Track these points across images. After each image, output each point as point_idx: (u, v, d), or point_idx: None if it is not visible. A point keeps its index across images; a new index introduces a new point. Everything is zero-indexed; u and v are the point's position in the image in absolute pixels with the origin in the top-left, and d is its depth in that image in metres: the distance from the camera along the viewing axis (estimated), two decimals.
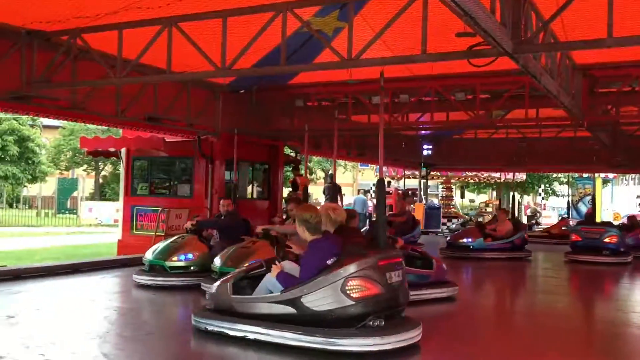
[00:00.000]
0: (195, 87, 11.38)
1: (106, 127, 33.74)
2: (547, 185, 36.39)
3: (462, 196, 32.95)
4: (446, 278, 7.85)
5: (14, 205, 35.49)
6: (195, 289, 7.58)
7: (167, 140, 12.29)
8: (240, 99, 12.49)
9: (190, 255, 8.29)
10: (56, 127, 37.28)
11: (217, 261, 7.60)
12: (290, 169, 16.91)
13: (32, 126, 30.92)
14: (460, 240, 12.93)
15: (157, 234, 11.91)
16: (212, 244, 8.80)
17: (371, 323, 4.76)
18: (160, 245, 8.63)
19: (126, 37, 7.59)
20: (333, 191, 13.62)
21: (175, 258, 8.22)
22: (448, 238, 14.00)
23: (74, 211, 32.50)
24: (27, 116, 28.75)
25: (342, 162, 40.51)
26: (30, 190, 38.70)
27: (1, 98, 8.44)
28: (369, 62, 6.59)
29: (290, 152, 16.52)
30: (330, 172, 19.45)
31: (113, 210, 29.57)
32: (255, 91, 12.28)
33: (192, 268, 8.22)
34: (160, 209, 12.26)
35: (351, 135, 15.22)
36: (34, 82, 8.47)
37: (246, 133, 12.49)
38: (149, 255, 8.42)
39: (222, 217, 9.30)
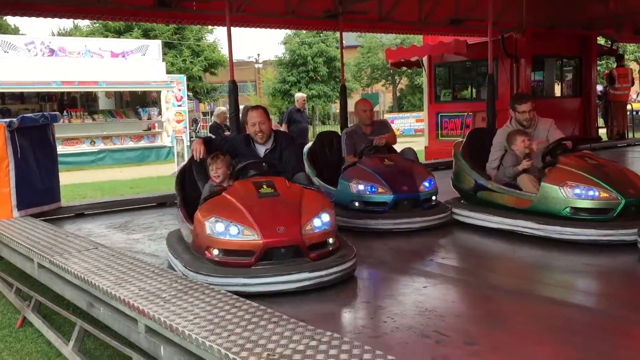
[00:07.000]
0: None
1: (400, 41, 34.95)
2: None
3: None
4: None
5: (325, 121, 39.42)
6: None
7: (469, 43, 12.05)
8: None
9: None
10: (355, 47, 39.63)
11: None
12: (603, 62, 15.25)
13: (336, 47, 33.49)
14: None
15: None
16: None
17: None
18: None
19: None
20: None
21: None
22: None
23: None
24: (332, 38, 31.04)
25: None
26: (338, 107, 42.43)
27: (317, 17, 9.22)
28: None
29: (606, 43, 14.75)
30: None
31: (411, 120, 30.77)
32: None
33: None
34: (465, 113, 12.26)
35: None
36: None
37: (553, 25, 11.53)
38: None
39: None
